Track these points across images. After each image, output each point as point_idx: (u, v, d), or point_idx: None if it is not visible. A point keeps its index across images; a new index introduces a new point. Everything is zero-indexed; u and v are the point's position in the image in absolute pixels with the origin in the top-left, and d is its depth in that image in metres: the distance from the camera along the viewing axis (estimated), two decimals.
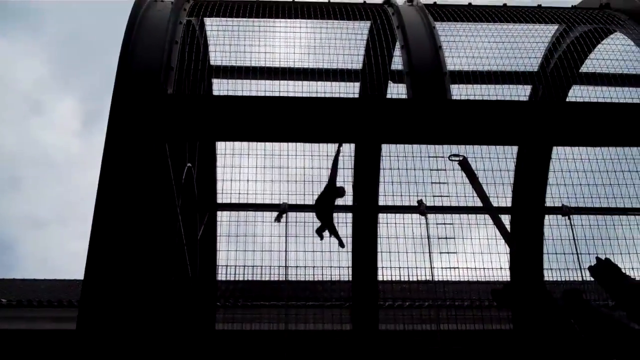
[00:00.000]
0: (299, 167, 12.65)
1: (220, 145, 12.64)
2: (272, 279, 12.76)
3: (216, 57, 10.31)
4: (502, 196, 12.64)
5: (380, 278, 13.04)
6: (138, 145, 7.55)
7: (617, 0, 10.79)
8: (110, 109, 7.78)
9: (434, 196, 12.56)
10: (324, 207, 12.31)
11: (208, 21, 10.35)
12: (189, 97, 8.63)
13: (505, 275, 12.87)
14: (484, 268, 12.72)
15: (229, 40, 9.94)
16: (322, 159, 12.61)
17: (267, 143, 12.26)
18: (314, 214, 12.57)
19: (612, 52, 10.56)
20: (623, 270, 8.81)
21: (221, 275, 12.76)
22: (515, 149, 12.85)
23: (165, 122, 7.81)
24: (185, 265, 10.28)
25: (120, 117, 7.71)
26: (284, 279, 12.47)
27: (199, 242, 11.58)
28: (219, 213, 12.96)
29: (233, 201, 12.90)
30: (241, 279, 12.88)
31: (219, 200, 12.91)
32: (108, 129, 7.67)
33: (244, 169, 12.62)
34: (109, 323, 6.89)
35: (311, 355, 12.96)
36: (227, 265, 12.64)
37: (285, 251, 12.45)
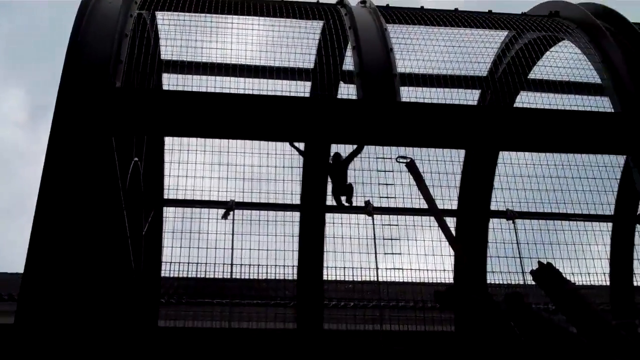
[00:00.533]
0: (247, 165, 12.61)
1: (169, 141, 12.53)
2: (217, 276, 12.67)
3: (167, 52, 10.21)
4: (447, 199, 12.80)
5: (326, 278, 13.06)
6: (83, 137, 7.44)
7: (566, 9, 10.99)
8: (56, 100, 7.65)
9: (380, 197, 12.63)
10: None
11: (160, 15, 10.24)
12: (137, 91, 8.53)
13: (449, 277, 13.01)
14: (427, 270, 12.84)
15: (180, 34, 9.85)
16: (270, 156, 12.61)
17: (216, 139, 12.19)
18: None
19: (560, 60, 10.76)
20: (564, 275, 8.97)
21: (166, 272, 12.63)
22: (462, 152, 13.00)
23: (112, 116, 7.71)
24: (129, 261, 10.16)
25: (66, 109, 7.59)
26: (230, 276, 12.41)
27: (144, 238, 11.45)
28: (165, 209, 12.82)
29: (180, 197, 12.78)
30: (186, 276, 12.78)
31: (166, 196, 12.77)
32: (54, 121, 7.56)
33: (192, 165, 12.53)
34: (49, 318, 6.79)
35: (255, 353, 12.92)
36: (172, 262, 12.52)
37: (232, 249, 12.40)
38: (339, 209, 12.55)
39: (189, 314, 13.65)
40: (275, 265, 12.77)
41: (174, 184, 12.61)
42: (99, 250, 7.60)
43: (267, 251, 12.64)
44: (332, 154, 12.32)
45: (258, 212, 12.97)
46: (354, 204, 12.50)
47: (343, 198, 12.25)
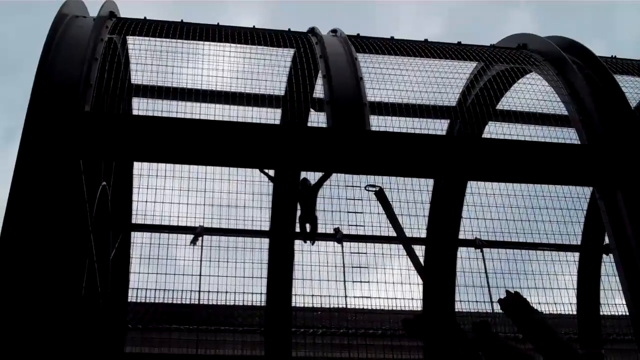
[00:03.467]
0: (216, 191, 12.57)
1: (138, 165, 12.47)
2: (185, 302, 12.58)
3: (137, 76, 10.19)
4: (416, 228, 12.83)
5: (294, 304, 13.02)
6: (51, 160, 7.40)
7: (534, 42, 11.16)
8: (24, 122, 7.62)
9: (349, 225, 12.64)
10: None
11: (130, 39, 10.24)
12: (106, 115, 8.50)
13: (417, 305, 13.03)
14: (396, 298, 12.84)
15: (151, 59, 9.84)
16: (240, 183, 12.58)
17: (185, 165, 12.16)
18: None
19: (527, 92, 10.88)
20: (532, 304, 9.04)
21: (133, 297, 12.52)
22: (431, 181, 13.07)
23: (80, 139, 7.68)
24: (95, 286, 10.06)
25: (34, 131, 7.56)
26: (197, 302, 12.33)
27: (112, 263, 11.35)
28: (133, 234, 12.73)
29: (149, 222, 12.69)
30: (154, 301, 12.68)
31: (134, 221, 12.69)
32: (21, 143, 7.52)
33: (160, 190, 12.46)
34: (14, 342, 6.71)
35: None
36: (138, 288, 12.42)
37: (199, 275, 12.32)
38: (303, 238, 12.56)
39: (156, 340, 13.52)
40: (244, 293, 12.72)
41: (143, 209, 12.54)
42: (64, 274, 7.51)
43: (235, 277, 12.58)
44: (302, 177, 12.34)
45: (227, 238, 12.92)
46: (323, 230, 12.52)
47: (308, 227, 12.30)
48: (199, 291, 12.25)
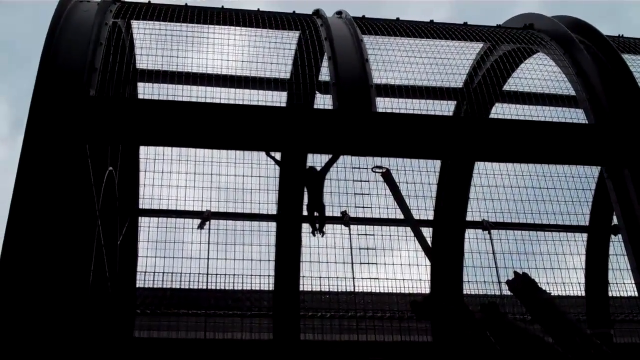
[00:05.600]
0: (222, 174, 12.54)
1: (144, 151, 12.47)
2: (193, 286, 12.61)
3: (142, 61, 10.15)
4: (423, 209, 12.80)
5: (302, 288, 13.03)
6: (56, 144, 7.39)
7: (540, 22, 11.07)
8: (30, 107, 7.61)
9: (356, 207, 12.60)
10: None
11: (135, 24, 10.19)
12: (111, 100, 8.47)
13: (425, 287, 13.02)
14: (404, 279, 12.84)
15: (156, 44, 9.79)
16: (245, 166, 12.56)
17: (192, 149, 12.15)
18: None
19: (534, 72, 10.80)
20: (540, 285, 9.01)
21: (141, 282, 12.55)
22: (438, 163, 13.03)
23: (86, 124, 7.66)
24: (104, 271, 10.08)
25: (39, 116, 7.54)
26: (205, 287, 12.34)
27: (119, 248, 11.36)
28: (140, 219, 12.74)
29: (155, 207, 12.69)
30: (162, 286, 12.71)
31: (141, 206, 12.69)
32: (27, 128, 7.50)
33: (167, 174, 12.46)
34: (24, 328, 6.72)
35: None
36: (146, 272, 12.44)
37: (207, 258, 12.33)
38: (312, 230, 12.54)
39: (164, 325, 13.55)
40: (251, 275, 12.74)
41: (150, 193, 12.54)
42: (72, 260, 7.52)
43: (242, 261, 12.59)
44: (307, 166, 12.31)
45: (234, 222, 12.91)
46: (330, 214, 12.49)
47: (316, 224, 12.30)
48: (207, 273, 12.26)
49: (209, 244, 12.50)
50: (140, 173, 12.51)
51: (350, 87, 8.63)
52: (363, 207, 12.61)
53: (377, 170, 10.99)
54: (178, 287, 12.75)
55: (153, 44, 9.78)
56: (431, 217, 13.19)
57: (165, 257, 12.35)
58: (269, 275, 12.84)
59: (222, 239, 12.73)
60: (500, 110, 11.08)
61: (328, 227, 12.90)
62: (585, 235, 13.73)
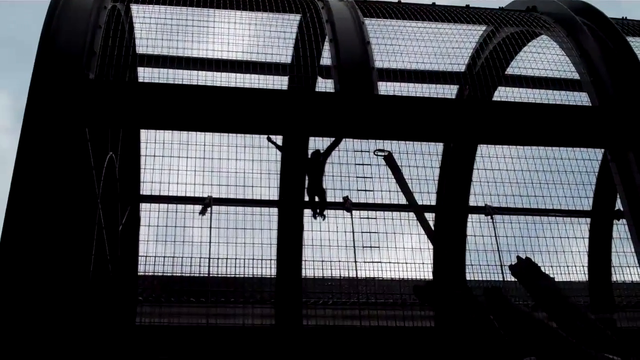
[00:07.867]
0: (223, 159, 12.45)
1: (144, 137, 12.38)
2: (195, 272, 12.55)
3: (142, 44, 10.06)
4: (426, 193, 12.71)
5: (304, 274, 12.98)
6: (56, 128, 7.33)
7: (543, 4, 10.98)
8: (29, 91, 7.54)
9: (358, 191, 12.51)
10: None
11: (134, 7, 10.11)
12: (111, 83, 8.41)
13: (428, 272, 12.98)
14: (406, 263, 12.78)
15: (156, 28, 9.72)
16: (247, 151, 12.48)
17: (193, 134, 12.09)
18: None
19: (538, 55, 10.74)
20: (543, 270, 8.96)
21: (142, 266, 12.51)
22: (440, 146, 12.96)
23: (85, 107, 7.61)
24: (105, 258, 10.03)
25: (38, 99, 7.49)
26: (208, 273, 12.29)
27: (121, 234, 11.31)
28: (142, 205, 12.67)
29: (156, 193, 12.61)
30: (163, 272, 12.66)
31: (143, 192, 12.62)
32: (26, 112, 7.44)
33: (167, 159, 12.36)
34: (25, 315, 6.68)
35: (234, 351, 12.82)
36: (148, 256, 12.40)
37: (209, 243, 12.27)
38: (313, 214, 12.46)
39: (166, 312, 13.51)
40: (253, 259, 12.69)
41: (151, 179, 12.45)
42: (73, 246, 7.46)
43: (244, 245, 12.54)
44: (311, 151, 12.22)
45: (236, 208, 12.85)
46: (332, 199, 12.43)
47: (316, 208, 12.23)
48: (209, 258, 12.20)
49: (210, 229, 12.44)
50: (141, 158, 12.43)
51: (352, 69, 8.58)
52: (365, 190, 12.51)
53: (379, 153, 10.91)
54: (180, 274, 12.69)
55: (153, 28, 9.71)
56: (434, 201, 13.12)
57: (166, 242, 12.29)
58: (270, 259, 12.80)
59: (223, 225, 12.67)
60: (504, 94, 11.01)
61: (330, 213, 12.82)
62: (588, 220, 13.68)
